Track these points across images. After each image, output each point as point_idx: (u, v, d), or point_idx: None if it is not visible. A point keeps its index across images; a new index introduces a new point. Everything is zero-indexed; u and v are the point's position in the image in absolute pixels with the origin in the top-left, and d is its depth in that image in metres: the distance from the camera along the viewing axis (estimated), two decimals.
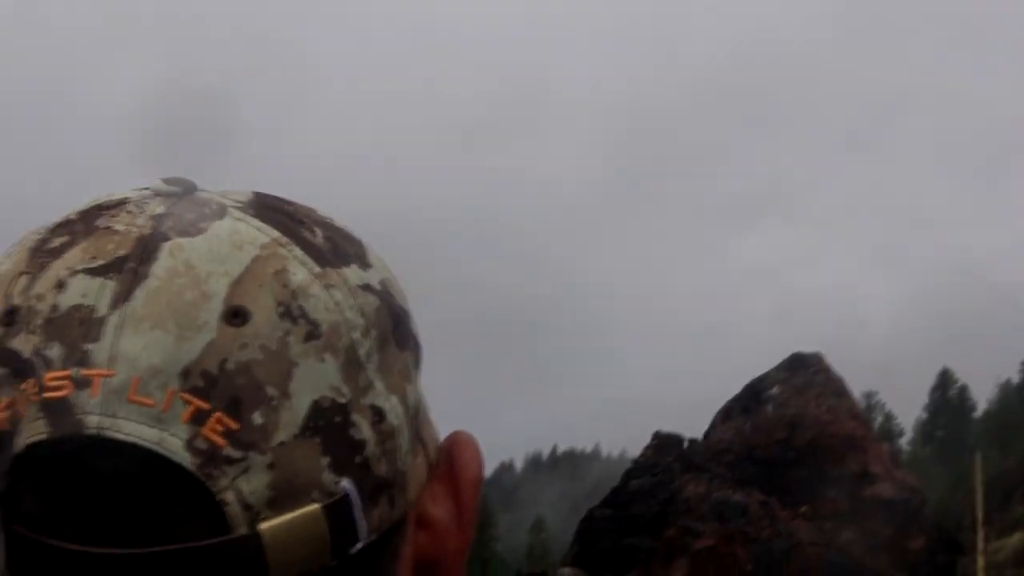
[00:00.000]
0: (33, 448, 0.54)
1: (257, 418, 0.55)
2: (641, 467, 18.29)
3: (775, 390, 18.68)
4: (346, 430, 0.57)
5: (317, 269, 0.59)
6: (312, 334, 0.57)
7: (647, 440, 18.67)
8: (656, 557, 16.56)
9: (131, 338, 0.55)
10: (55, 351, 0.55)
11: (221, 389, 0.54)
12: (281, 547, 0.54)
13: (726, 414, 18.92)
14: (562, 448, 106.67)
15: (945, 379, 74.38)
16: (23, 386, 0.55)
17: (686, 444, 18.70)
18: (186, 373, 0.54)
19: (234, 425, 0.54)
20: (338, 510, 0.55)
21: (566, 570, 17.33)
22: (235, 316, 0.56)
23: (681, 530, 16.69)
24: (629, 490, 17.70)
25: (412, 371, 0.62)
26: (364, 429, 0.57)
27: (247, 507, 0.54)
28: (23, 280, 0.58)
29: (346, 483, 0.56)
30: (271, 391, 0.55)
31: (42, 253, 0.59)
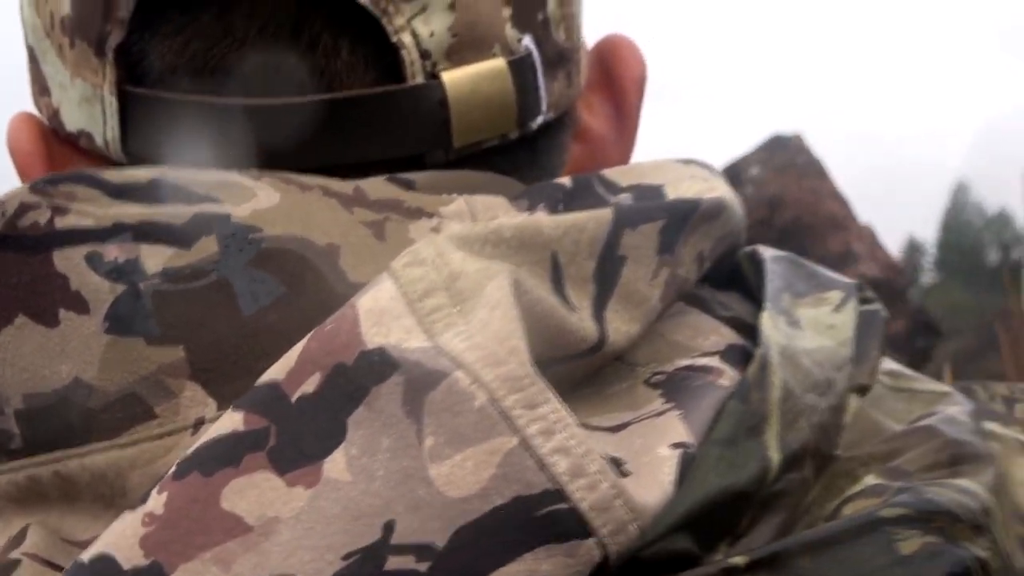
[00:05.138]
0: None
1: None
2: None
3: (754, 171, 18.37)
4: None
5: None
6: None
7: None
8: None
9: None
10: None
11: None
12: (465, 103, 0.48)
13: None
14: None
15: None
16: None
17: None
18: None
19: None
20: (522, 68, 0.49)
21: None
22: None
23: None
24: None
25: None
26: None
27: (425, 55, 0.47)
28: None
29: (528, 41, 0.50)
30: None
31: None
